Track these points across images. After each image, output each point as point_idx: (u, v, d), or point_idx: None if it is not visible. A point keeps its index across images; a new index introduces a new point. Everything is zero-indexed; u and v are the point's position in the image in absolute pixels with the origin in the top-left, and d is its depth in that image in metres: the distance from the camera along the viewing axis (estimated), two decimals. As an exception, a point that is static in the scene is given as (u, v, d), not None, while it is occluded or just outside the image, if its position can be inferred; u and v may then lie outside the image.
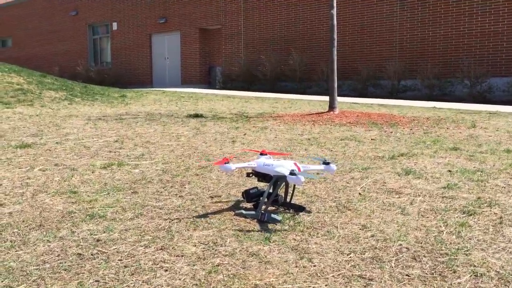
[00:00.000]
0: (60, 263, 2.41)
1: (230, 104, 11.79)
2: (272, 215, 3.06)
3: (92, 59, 26.00)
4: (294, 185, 3.35)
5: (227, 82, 19.92)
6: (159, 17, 22.44)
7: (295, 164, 3.15)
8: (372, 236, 2.83)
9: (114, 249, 2.59)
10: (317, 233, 2.88)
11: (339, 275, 2.34)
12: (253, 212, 3.13)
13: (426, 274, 2.35)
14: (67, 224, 2.96)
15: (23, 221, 3.00)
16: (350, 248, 2.66)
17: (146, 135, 6.44)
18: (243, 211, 3.17)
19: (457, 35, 14.83)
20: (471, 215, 3.19)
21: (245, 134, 6.51)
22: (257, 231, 2.89)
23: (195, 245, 2.67)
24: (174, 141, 5.96)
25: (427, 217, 3.15)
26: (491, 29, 14.24)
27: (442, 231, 2.90)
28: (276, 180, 3.14)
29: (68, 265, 2.38)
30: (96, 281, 2.23)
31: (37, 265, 2.37)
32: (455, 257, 2.52)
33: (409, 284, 2.25)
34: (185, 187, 3.84)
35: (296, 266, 2.42)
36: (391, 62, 15.73)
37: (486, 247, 2.67)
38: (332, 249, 2.64)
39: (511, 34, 13.95)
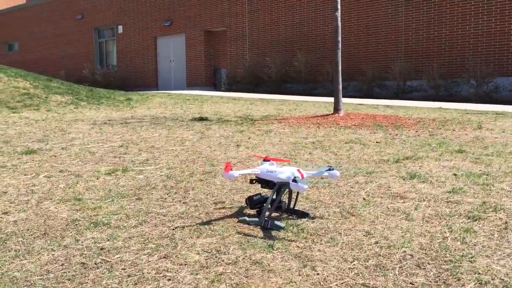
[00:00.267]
0: (64, 272, 2.42)
1: (235, 107, 11.79)
2: (276, 222, 3.06)
3: (98, 62, 26.10)
4: (298, 192, 3.35)
5: (232, 84, 19.94)
6: (164, 19, 22.49)
7: (299, 170, 3.15)
8: (376, 242, 2.82)
9: (117, 257, 2.60)
10: (321, 240, 2.87)
11: (342, 283, 2.33)
12: (256, 219, 3.13)
13: (430, 282, 2.34)
14: (71, 232, 2.97)
15: (28, 230, 3.01)
16: (354, 256, 2.65)
17: (151, 139, 6.45)
18: (247, 218, 3.16)
19: (462, 34, 14.78)
20: (476, 220, 3.17)
21: (249, 138, 6.51)
22: (261, 238, 2.89)
23: (198, 253, 2.67)
24: (178, 145, 5.97)
25: (432, 223, 3.14)
26: (497, 28, 14.18)
27: (446, 237, 2.89)
28: (279, 186, 3.14)
29: (72, 275, 2.39)
30: (99, 291, 2.23)
31: (41, 275, 2.38)
32: (460, 264, 2.51)
33: (412, 292, 2.24)
34: (189, 193, 3.85)
35: (299, 275, 2.41)
36: (396, 62, 15.69)
37: (491, 253, 2.65)
38: (335, 257, 2.63)
39: (517, 33, 13.89)
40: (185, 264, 2.52)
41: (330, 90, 15.61)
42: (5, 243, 2.80)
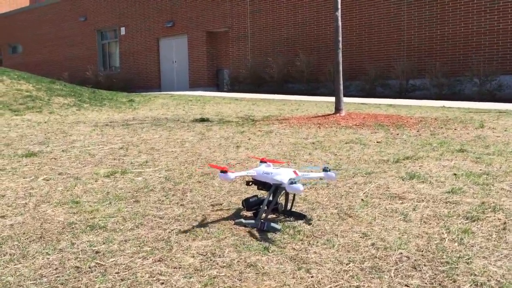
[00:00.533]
0: (58, 277, 2.41)
1: (237, 107, 11.78)
2: (272, 224, 3.05)
3: (101, 64, 26.15)
4: (294, 193, 3.33)
5: (234, 84, 19.94)
6: (166, 21, 22.51)
7: (295, 172, 3.13)
8: (373, 244, 2.81)
9: (112, 261, 2.59)
10: (317, 242, 2.85)
11: (336, 286, 2.31)
12: (252, 221, 3.11)
13: (426, 284, 2.32)
14: (67, 236, 2.96)
15: (24, 233, 3.01)
16: (350, 258, 2.63)
17: (151, 141, 6.45)
18: (243, 220, 3.15)
19: (465, 33, 14.72)
20: (474, 221, 3.15)
21: (249, 139, 6.49)
22: (256, 241, 2.88)
23: (193, 256, 2.66)
24: (178, 147, 5.96)
25: (430, 224, 3.12)
26: (500, 26, 14.11)
27: (444, 238, 2.87)
28: (275, 188, 3.12)
29: (65, 279, 2.38)
30: (92, 295, 2.23)
31: (35, 280, 2.38)
32: (456, 266, 2.49)
33: (407, 295, 2.23)
34: (186, 195, 3.84)
35: (293, 278, 2.40)
36: (399, 61, 15.65)
37: (488, 254, 2.63)
38: (331, 259, 2.62)
39: (520, 31, 13.82)
40: (180, 268, 2.51)
41: (333, 90, 15.55)
42: (1, 247, 2.79)
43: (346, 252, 2.71)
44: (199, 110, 11.32)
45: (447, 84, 14.68)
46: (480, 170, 4.49)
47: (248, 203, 3.22)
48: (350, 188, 4.01)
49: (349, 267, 2.53)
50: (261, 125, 7.98)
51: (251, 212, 3.31)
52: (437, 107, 11.04)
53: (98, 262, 2.58)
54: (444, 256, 2.61)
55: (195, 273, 2.45)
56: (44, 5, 29.50)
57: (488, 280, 2.32)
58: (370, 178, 4.29)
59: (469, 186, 3.93)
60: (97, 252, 2.71)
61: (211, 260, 2.61)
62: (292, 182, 2.91)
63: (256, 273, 2.45)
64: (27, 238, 2.93)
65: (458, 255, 2.62)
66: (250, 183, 3.30)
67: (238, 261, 2.59)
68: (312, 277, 2.41)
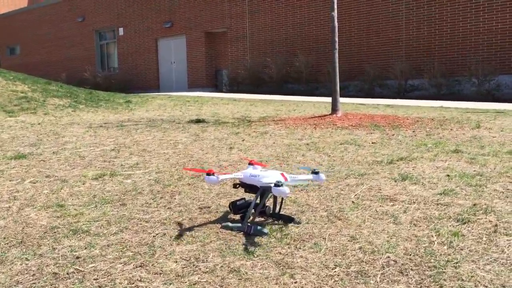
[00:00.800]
0: (34, 283, 2.35)
1: (235, 108, 11.72)
2: (259, 228, 2.98)
3: (99, 65, 26.09)
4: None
5: (233, 85, 19.87)
6: (164, 21, 22.45)
7: (282, 174, 3.07)
8: (360, 248, 2.74)
9: (91, 267, 2.53)
10: (304, 246, 2.79)
11: (320, 292, 2.25)
12: (239, 225, 3.05)
13: (412, 289, 2.26)
14: (48, 240, 2.90)
15: (4, 238, 2.95)
16: (336, 262, 2.57)
17: (144, 142, 6.39)
18: (230, 224, 3.09)
19: (464, 33, 14.64)
20: (465, 223, 3.08)
21: (243, 140, 6.43)
22: (242, 245, 2.81)
23: (176, 261, 2.60)
24: (171, 149, 5.90)
25: (420, 226, 3.05)
26: (498, 26, 14.04)
27: (433, 242, 2.80)
28: (262, 191, 3.06)
29: (42, 286, 2.32)
30: (67, 302, 2.17)
31: (10, 286, 2.31)
32: (444, 270, 2.43)
33: (392, 301, 2.16)
34: (175, 198, 3.77)
35: (276, 283, 2.34)
36: (397, 61, 15.57)
37: (477, 258, 2.56)
38: (317, 263, 2.56)
39: (519, 30, 13.75)
40: (161, 273, 2.45)
41: (331, 90, 15.50)
42: (-20, 252, 2.73)
43: (333, 256, 2.64)
44: (196, 111, 11.26)
45: (446, 84, 14.61)
46: (474, 171, 4.43)
47: (235, 206, 3.15)
48: (342, 190, 3.94)
49: (335, 271, 2.46)
50: (257, 126, 7.92)
51: (238, 216, 3.25)
52: (435, 107, 10.97)
53: (77, 268, 2.52)
54: (432, 260, 2.55)
55: (175, 279, 2.39)
56: (42, 6, 29.44)
57: (475, 286, 2.26)
58: (362, 180, 4.22)
59: (462, 188, 3.87)
60: (77, 258, 2.65)
61: (194, 265, 2.55)
62: (277, 184, 2.84)
63: (238, 279, 2.38)
64: (7, 243, 2.87)
65: (446, 259, 2.56)
66: (237, 186, 3.24)
67: (222, 266, 2.53)
68: (295, 282, 2.35)
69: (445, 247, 2.72)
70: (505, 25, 13.90)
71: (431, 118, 8.43)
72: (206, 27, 21.10)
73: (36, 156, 5.47)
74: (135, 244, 2.84)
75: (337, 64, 8.71)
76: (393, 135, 6.63)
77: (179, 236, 2.96)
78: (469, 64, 14.26)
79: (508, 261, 2.52)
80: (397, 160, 4.96)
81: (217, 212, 3.44)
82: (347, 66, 16.51)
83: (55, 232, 3.05)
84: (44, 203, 3.65)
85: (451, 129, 7.00)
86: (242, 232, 3.01)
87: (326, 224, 3.15)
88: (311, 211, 3.42)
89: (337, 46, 8.65)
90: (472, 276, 2.35)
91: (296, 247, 2.78)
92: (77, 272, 2.46)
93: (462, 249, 2.69)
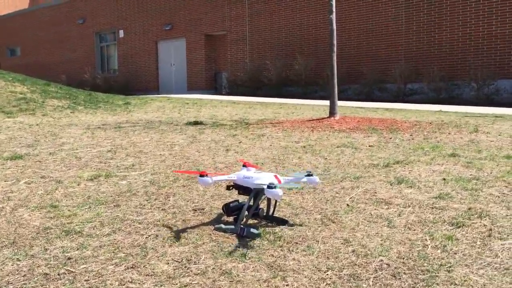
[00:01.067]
0: (24, 284, 2.34)
1: (233, 110, 11.71)
2: (252, 230, 2.97)
3: (99, 67, 26.10)
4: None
5: (232, 87, 19.87)
6: (164, 23, 22.47)
7: (276, 176, 3.06)
8: (353, 251, 2.73)
9: (83, 268, 2.52)
10: (297, 249, 2.78)
11: (311, 295, 2.24)
12: (232, 227, 3.04)
13: (404, 293, 2.25)
14: (40, 241, 2.89)
15: (-3, 238, 2.94)
16: (329, 265, 2.55)
17: (141, 144, 6.37)
18: (223, 226, 3.08)
19: (463, 37, 14.65)
20: (459, 227, 3.07)
21: (240, 142, 6.42)
22: (235, 247, 2.80)
23: (168, 263, 2.58)
24: (167, 150, 5.89)
25: (414, 230, 3.04)
26: (498, 31, 14.05)
27: (427, 245, 2.79)
28: (256, 193, 3.05)
29: (32, 286, 2.31)
30: (57, 303, 2.15)
31: (0, 287, 2.30)
32: (437, 274, 2.41)
33: (383, 305, 2.15)
34: (169, 200, 3.76)
35: (268, 286, 2.32)
36: (397, 65, 15.57)
37: (470, 262, 2.55)
38: (309, 266, 2.54)
39: (518, 35, 13.76)
40: (152, 275, 2.44)
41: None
42: (-29, 252, 2.72)
43: (326, 259, 2.63)
44: (194, 113, 11.25)
45: (445, 88, 14.61)
46: (470, 175, 4.42)
47: (228, 208, 3.14)
48: (337, 193, 3.93)
49: (327, 275, 2.45)
50: (254, 128, 7.91)
51: (232, 218, 3.24)
52: (434, 111, 10.96)
53: (69, 269, 2.51)
54: (425, 264, 2.54)
55: (167, 281, 2.37)
56: (43, 7, 29.48)
57: (468, 290, 2.25)
58: (358, 183, 4.21)
59: (457, 192, 3.86)
60: (69, 259, 2.64)
61: (185, 267, 2.54)
62: (270, 186, 2.83)
63: (230, 281, 2.37)
64: (-1, 243, 2.85)
65: (439, 263, 2.54)
66: (231, 188, 3.23)
67: (213, 268, 2.51)
68: (287, 285, 2.34)
69: (439, 251, 2.71)
70: (505, 29, 13.91)
71: (429, 122, 8.42)
72: (206, 30, 21.12)
73: (33, 156, 5.46)
74: (127, 246, 2.83)
75: (335, 67, 8.70)
76: (390, 138, 6.62)
77: (172, 237, 2.94)
78: (469, 69, 14.27)
79: (501, 266, 2.51)
80: (394, 164, 4.94)
81: (211, 214, 3.42)
82: (346, 70, 16.52)
83: (47, 232, 3.03)
84: (38, 203, 3.64)
85: (448, 133, 6.99)
86: (235, 234, 2.99)
87: (319, 227, 3.13)
88: (305, 213, 3.41)
89: (335, 49, 8.65)
90: (465, 281, 2.34)
91: (288, 250, 2.76)
92: (68, 273, 2.45)
93: (455, 253, 2.67)
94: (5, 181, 4.32)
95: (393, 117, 9.37)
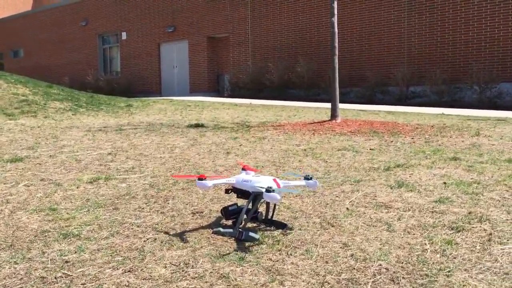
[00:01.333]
0: (21, 287, 2.33)
1: (235, 113, 11.71)
2: (250, 233, 2.95)
3: (102, 69, 26.14)
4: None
5: (235, 90, 19.87)
6: (167, 26, 22.50)
7: (275, 180, 3.04)
8: (352, 255, 2.71)
9: (80, 271, 2.50)
10: (295, 253, 2.76)
11: (308, 300, 2.22)
12: (230, 230, 3.02)
13: (402, 298, 2.23)
14: (38, 244, 2.88)
15: (-6, 241, 2.93)
16: (327, 269, 2.54)
17: (141, 146, 6.37)
18: (221, 229, 3.06)
19: (466, 40, 14.63)
20: (459, 231, 3.05)
21: (240, 145, 6.41)
22: (233, 251, 2.79)
23: (165, 267, 2.57)
24: (167, 153, 5.88)
25: (413, 234, 3.02)
26: (501, 34, 14.02)
27: (426, 250, 2.77)
28: (254, 196, 3.04)
29: (28, 290, 2.30)
30: (53, 307, 2.14)
31: (-4, 290, 2.29)
32: (435, 279, 2.40)
33: (381, 310, 2.13)
34: (168, 203, 3.75)
35: (265, 290, 2.31)
36: (399, 68, 15.55)
37: (470, 267, 2.53)
38: (307, 270, 2.53)
39: (521, 38, 13.73)
40: (149, 279, 2.43)
41: (332, 96, 15.46)
42: (-32, 255, 2.71)
43: (324, 263, 2.62)
44: (196, 115, 11.25)
45: (447, 91, 14.58)
46: (471, 179, 4.39)
47: (227, 212, 3.13)
48: (337, 196, 3.92)
49: (325, 279, 2.43)
50: (256, 131, 7.90)
51: (231, 221, 3.22)
52: (436, 114, 10.94)
53: (66, 272, 2.50)
54: (424, 268, 2.52)
55: (164, 284, 2.36)
56: (46, 9, 29.55)
57: (466, 295, 2.23)
58: (358, 186, 4.19)
59: (458, 196, 3.84)
60: (66, 262, 2.63)
61: (183, 271, 2.52)
62: (269, 190, 2.82)
63: (227, 285, 2.36)
64: (-3, 246, 2.85)
65: (438, 267, 2.52)
66: (229, 191, 3.21)
67: (211, 272, 2.50)
68: (284, 289, 2.32)
69: (438, 256, 2.69)
70: (508, 32, 13.88)
71: (431, 125, 8.40)
72: (209, 32, 21.14)
73: (33, 159, 5.46)
74: (125, 249, 2.82)
75: (336, 70, 8.69)
76: (391, 141, 6.60)
77: (170, 241, 2.93)
78: (471, 72, 14.24)
79: (501, 270, 2.49)
80: (394, 167, 4.93)
81: (209, 217, 3.41)
82: (348, 72, 16.51)
83: (45, 236, 3.02)
84: (36, 206, 3.63)
85: (450, 137, 6.97)
86: (233, 238, 2.98)
87: (318, 230, 3.12)
88: (305, 217, 3.39)
89: (336, 52, 8.64)
90: (464, 285, 2.32)
91: (287, 254, 2.75)
92: (65, 277, 2.44)
93: (455, 258, 2.66)
94: (4, 183, 4.31)
95: (394, 120, 9.35)
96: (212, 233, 3.07)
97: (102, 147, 6.33)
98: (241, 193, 3.12)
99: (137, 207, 3.64)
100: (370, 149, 6.03)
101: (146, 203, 3.74)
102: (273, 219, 3.24)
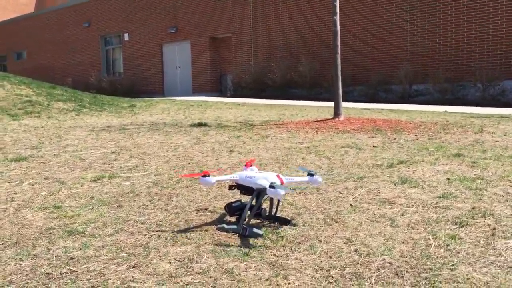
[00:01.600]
0: (27, 283, 2.34)
1: (238, 112, 11.72)
2: (254, 229, 2.96)
3: (104, 70, 26.19)
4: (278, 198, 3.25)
5: (237, 89, 19.88)
6: (169, 26, 22.52)
7: (278, 176, 3.05)
8: (356, 250, 2.72)
9: (85, 267, 2.52)
10: (299, 248, 2.77)
11: (313, 294, 2.23)
12: (234, 226, 3.03)
13: (406, 291, 2.23)
14: (43, 241, 2.89)
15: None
16: (331, 264, 2.55)
17: (145, 145, 6.38)
18: (225, 225, 3.07)
19: (468, 38, 14.60)
20: (463, 226, 3.05)
21: (244, 143, 6.42)
22: (237, 246, 2.80)
23: (170, 262, 2.58)
24: (171, 151, 5.89)
25: (417, 229, 3.03)
26: (504, 31, 13.99)
27: (430, 244, 2.78)
28: (258, 193, 3.04)
29: (34, 286, 2.31)
30: (58, 302, 2.15)
31: (2, 286, 2.31)
32: (439, 273, 2.40)
33: (385, 303, 2.14)
34: (172, 200, 3.76)
35: (270, 284, 2.32)
36: (402, 66, 15.53)
37: (474, 261, 2.54)
38: (311, 265, 2.53)
39: (524, 35, 13.70)
40: (154, 274, 2.44)
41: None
42: (-26, 252, 2.73)
43: (328, 258, 2.62)
44: (199, 115, 11.26)
45: (450, 89, 14.56)
46: (475, 174, 4.39)
47: (230, 208, 3.14)
48: (340, 193, 3.92)
49: (329, 273, 2.44)
50: (259, 129, 7.91)
51: (235, 217, 3.23)
52: (439, 112, 10.92)
53: (71, 268, 2.51)
54: (428, 263, 2.52)
55: (168, 280, 2.37)
56: (48, 11, 29.62)
57: (471, 288, 2.23)
58: (361, 183, 4.20)
59: (462, 191, 3.84)
60: (71, 258, 2.64)
61: (187, 266, 2.53)
62: (272, 186, 2.82)
63: (231, 280, 2.37)
64: (2, 244, 2.86)
65: (442, 262, 2.53)
66: (233, 188, 3.22)
67: (215, 268, 2.51)
68: (289, 283, 2.33)
69: (442, 250, 2.69)
70: (511, 30, 13.85)
71: (434, 122, 8.39)
72: (211, 32, 21.15)
73: (37, 158, 5.48)
74: (130, 245, 2.83)
75: (339, 68, 8.69)
76: (394, 139, 6.60)
77: (174, 237, 2.94)
78: (474, 69, 14.21)
79: (505, 264, 2.49)
80: (398, 164, 4.93)
81: (213, 214, 3.42)
82: (351, 71, 16.49)
83: (50, 233, 3.04)
84: (41, 204, 3.65)
85: (453, 133, 6.96)
86: (237, 234, 2.99)
87: (322, 226, 3.12)
88: (308, 213, 3.40)
89: (339, 50, 8.64)
90: (468, 279, 2.32)
91: (291, 249, 2.76)
92: (70, 273, 2.45)
93: (459, 252, 2.66)
94: (9, 182, 4.33)
95: (398, 118, 9.35)
96: (216, 229, 3.08)
97: (106, 146, 6.35)
98: (245, 189, 3.12)
99: (141, 205, 3.65)
100: (373, 147, 6.03)
101: (150, 201, 3.75)
102: (277, 215, 3.24)
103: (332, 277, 2.40)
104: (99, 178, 4.48)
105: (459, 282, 2.29)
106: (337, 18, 8.55)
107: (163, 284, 2.32)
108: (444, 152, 5.54)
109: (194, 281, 2.35)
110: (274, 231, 3.04)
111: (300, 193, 3.93)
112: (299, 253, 2.70)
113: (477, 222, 3.12)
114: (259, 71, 18.83)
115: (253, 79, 18.90)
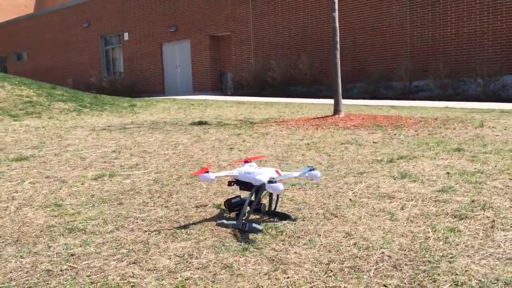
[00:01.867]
0: (27, 280, 2.35)
1: (238, 110, 11.73)
2: (254, 225, 2.97)
3: (105, 70, 26.21)
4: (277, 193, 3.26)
5: (238, 88, 19.89)
6: (169, 25, 22.53)
7: (277, 171, 3.06)
8: (355, 244, 2.73)
9: (85, 264, 2.53)
10: (298, 243, 2.78)
11: (312, 287, 2.24)
12: (234, 222, 3.04)
13: (405, 284, 2.24)
14: (44, 239, 2.91)
15: (0, 237, 2.96)
16: (330, 258, 2.55)
17: (145, 144, 6.40)
18: (225, 221, 3.08)
19: (468, 33, 14.59)
20: (462, 219, 3.06)
21: (244, 141, 6.43)
22: (236, 242, 2.81)
23: (169, 258, 2.59)
24: (171, 149, 5.91)
25: (416, 223, 3.03)
26: (503, 26, 13.98)
27: (429, 237, 2.78)
28: (257, 188, 3.05)
29: (35, 282, 2.32)
30: (58, 298, 2.17)
31: (3, 283, 2.32)
32: (438, 265, 2.41)
33: (383, 295, 2.15)
34: (172, 197, 3.77)
35: (269, 279, 2.33)
36: (402, 63, 15.53)
37: (472, 253, 2.54)
38: (310, 259, 2.54)
39: (524, 30, 13.68)
40: (154, 270, 2.45)
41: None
42: (-25, 250, 2.74)
43: (327, 252, 2.63)
44: (199, 113, 11.28)
45: (451, 84, 14.55)
46: (475, 168, 4.40)
47: (230, 204, 3.15)
48: (340, 188, 3.93)
49: (329, 267, 2.45)
50: (259, 127, 7.92)
51: (234, 213, 3.24)
52: (440, 108, 10.92)
53: (71, 265, 2.52)
54: (427, 255, 2.53)
55: (168, 275, 2.38)
56: (48, 12, 29.65)
57: (469, 280, 2.24)
58: (361, 178, 4.20)
59: (461, 185, 3.84)
60: (72, 255, 2.65)
61: (187, 261, 2.55)
62: (271, 181, 2.83)
63: (230, 275, 2.38)
64: (3, 242, 2.87)
65: (441, 254, 2.54)
66: (232, 184, 3.23)
67: (215, 263, 2.52)
68: (288, 277, 2.34)
69: (441, 243, 2.70)
70: (510, 24, 13.83)
71: (435, 118, 8.39)
72: (210, 31, 21.16)
73: (38, 158, 5.50)
74: (130, 242, 2.84)
75: (339, 65, 8.69)
76: (395, 134, 6.60)
77: (174, 233, 2.96)
78: (474, 65, 14.20)
79: (503, 256, 2.50)
80: (398, 159, 4.93)
81: (213, 210, 3.43)
82: (351, 68, 16.49)
83: (51, 230, 3.05)
84: (42, 202, 3.66)
85: (454, 128, 6.97)
86: (237, 229, 3.00)
87: (321, 221, 3.13)
88: (308, 208, 3.41)
89: (338, 47, 8.64)
90: (466, 270, 2.33)
91: (290, 244, 2.77)
92: (71, 269, 2.47)
93: (458, 245, 2.67)
94: (10, 181, 4.35)
95: (398, 114, 9.35)
96: (216, 225, 3.09)
97: (106, 145, 6.37)
98: (244, 185, 3.14)
99: (142, 202, 3.66)
100: (373, 142, 6.04)
101: (150, 198, 3.76)
102: (276, 210, 3.25)
103: (331, 270, 2.41)
104: (100, 176, 4.49)
105: (457, 274, 2.30)
106: (336, 14, 8.55)
107: (162, 280, 2.33)
108: (444, 147, 5.55)
109: (194, 276, 2.36)
110: (273, 226, 3.05)
111: (299, 188, 3.94)
112: (298, 247, 2.71)
113: (476, 215, 3.12)
114: (259, 69, 18.84)
115: (253, 77, 18.91)
